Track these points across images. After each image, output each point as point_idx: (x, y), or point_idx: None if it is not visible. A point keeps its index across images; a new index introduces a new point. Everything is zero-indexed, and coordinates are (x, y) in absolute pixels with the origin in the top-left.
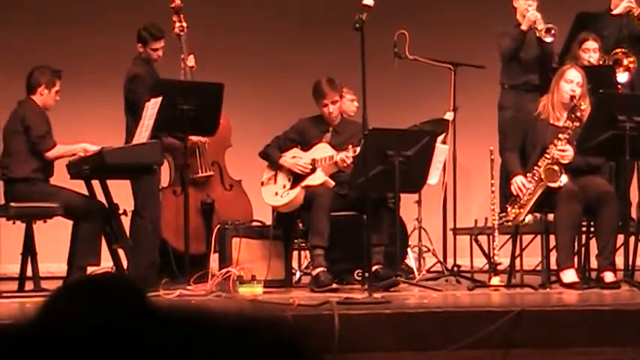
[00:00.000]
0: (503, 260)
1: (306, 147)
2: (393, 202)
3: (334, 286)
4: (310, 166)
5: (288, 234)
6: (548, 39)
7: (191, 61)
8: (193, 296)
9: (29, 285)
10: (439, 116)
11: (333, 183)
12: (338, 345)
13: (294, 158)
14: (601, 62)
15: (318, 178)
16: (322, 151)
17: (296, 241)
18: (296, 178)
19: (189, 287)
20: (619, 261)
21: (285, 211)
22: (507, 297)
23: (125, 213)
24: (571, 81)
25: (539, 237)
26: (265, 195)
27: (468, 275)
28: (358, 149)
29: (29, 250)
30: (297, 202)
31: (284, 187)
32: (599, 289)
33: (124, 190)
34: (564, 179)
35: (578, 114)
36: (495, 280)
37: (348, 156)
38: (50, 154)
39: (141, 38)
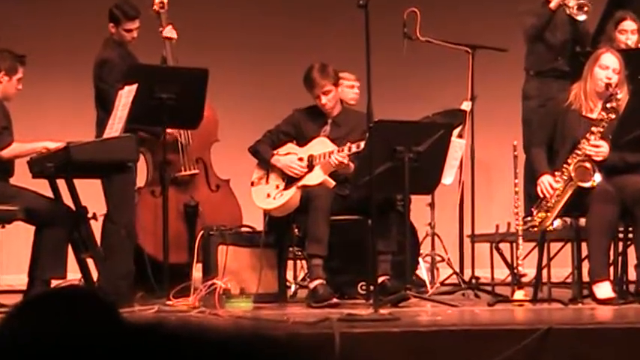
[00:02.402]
0: (529, 271)
1: (302, 142)
2: (402, 204)
3: (335, 300)
4: (305, 168)
5: (281, 241)
6: (581, 17)
7: (169, 32)
8: (173, 312)
9: None
10: (455, 106)
11: (333, 182)
12: None
13: (289, 155)
14: None
15: (316, 177)
16: (321, 146)
17: (291, 249)
18: (291, 177)
19: (168, 302)
20: None
21: (278, 215)
22: (533, 313)
23: (95, 217)
24: (606, 67)
25: (569, 245)
26: (256, 197)
27: (488, 288)
28: (362, 144)
29: None
30: (292, 204)
31: (277, 187)
32: (637, 305)
33: (93, 191)
34: (598, 178)
35: (614, 104)
36: (519, 294)
37: (342, 156)
38: (4, 153)
39: (113, 17)
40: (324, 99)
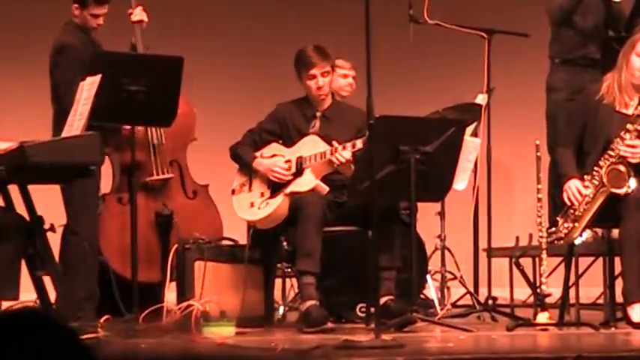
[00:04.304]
0: (554, 291)
1: (289, 140)
2: (408, 213)
3: (330, 325)
4: (290, 172)
5: (268, 256)
6: None
7: (138, 15)
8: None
9: None
10: (468, 100)
11: (327, 188)
12: None
13: (274, 157)
14: None
15: (306, 182)
16: (311, 145)
17: (279, 265)
18: (277, 183)
19: (137, 327)
20: None
21: (264, 227)
22: (559, 339)
23: (53, 229)
24: None
25: (600, 260)
26: (238, 207)
27: (507, 310)
28: (359, 142)
29: None
30: (279, 214)
31: (262, 195)
32: None
33: (51, 198)
34: (633, 184)
35: None
36: (543, 317)
37: (344, 155)
38: None
39: None
40: (321, 80)
